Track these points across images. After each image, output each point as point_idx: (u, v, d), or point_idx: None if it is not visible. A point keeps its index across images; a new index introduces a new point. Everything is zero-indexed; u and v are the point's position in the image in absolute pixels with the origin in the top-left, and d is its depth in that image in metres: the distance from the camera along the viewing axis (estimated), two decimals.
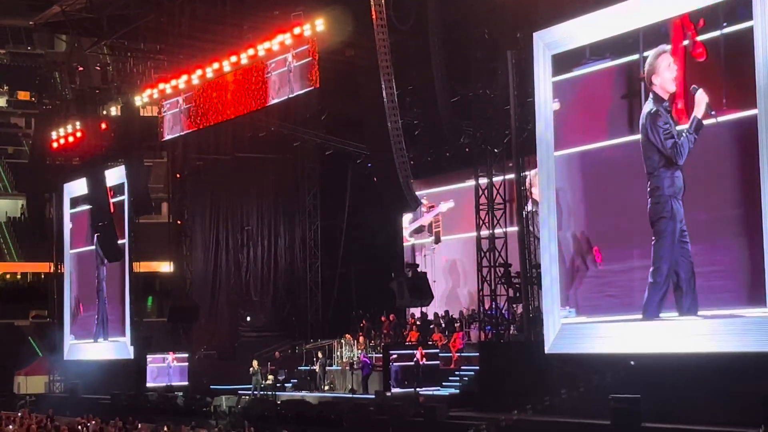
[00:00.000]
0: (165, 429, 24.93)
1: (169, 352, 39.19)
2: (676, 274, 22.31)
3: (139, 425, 26.18)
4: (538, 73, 25.86)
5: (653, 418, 21.30)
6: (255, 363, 34.62)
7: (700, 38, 21.80)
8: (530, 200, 28.24)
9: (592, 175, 24.59)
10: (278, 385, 34.47)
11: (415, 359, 30.38)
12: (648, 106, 23.06)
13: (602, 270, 24.13)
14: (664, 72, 22.72)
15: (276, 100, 32.14)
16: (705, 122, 21.72)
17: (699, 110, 21.89)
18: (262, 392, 33.86)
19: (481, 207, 28.66)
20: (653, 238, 22.83)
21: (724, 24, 21.36)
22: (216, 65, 33.84)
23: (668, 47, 22.66)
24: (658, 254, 22.75)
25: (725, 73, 21.51)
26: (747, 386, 20.40)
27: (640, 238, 23.12)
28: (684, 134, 22.15)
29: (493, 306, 28.25)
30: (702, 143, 21.90)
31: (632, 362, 23.06)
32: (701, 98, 21.83)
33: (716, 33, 21.53)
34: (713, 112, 21.51)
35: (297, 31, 30.23)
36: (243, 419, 29.66)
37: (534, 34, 26.05)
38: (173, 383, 38.32)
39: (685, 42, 22.15)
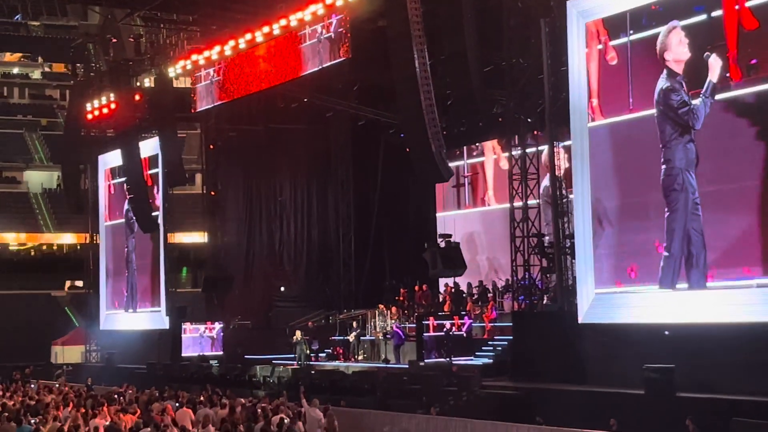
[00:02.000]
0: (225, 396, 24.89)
1: (204, 322, 39.49)
2: (687, 245, 22.35)
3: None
4: (572, 41, 25.69)
5: (687, 387, 21.25)
6: (298, 333, 34.63)
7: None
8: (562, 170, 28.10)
9: (623, 146, 24.49)
10: (312, 355, 34.65)
11: (446, 329, 30.45)
12: (662, 83, 23.11)
13: (629, 239, 24.06)
14: (677, 47, 22.71)
15: (308, 71, 32.13)
16: (720, 87, 21.72)
17: (714, 74, 21.86)
18: (307, 362, 33.91)
19: (514, 177, 28.56)
20: (666, 210, 22.86)
21: None
22: (248, 36, 33.85)
23: (678, 23, 22.53)
24: (670, 226, 22.83)
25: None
26: None
27: (663, 209, 23.15)
28: (700, 99, 22.08)
29: (527, 276, 28.22)
30: (715, 115, 21.84)
31: (666, 332, 22.98)
32: (715, 63, 21.80)
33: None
34: (728, 75, 21.43)
35: (329, 1, 30.15)
36: (291, 388, 29.81)
37: (567, 1, 25.88)
38: (208, 353, 38.62)
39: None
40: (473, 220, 37.37)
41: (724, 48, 21.61)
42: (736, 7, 21.42)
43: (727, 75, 21.56)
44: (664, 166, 23.06)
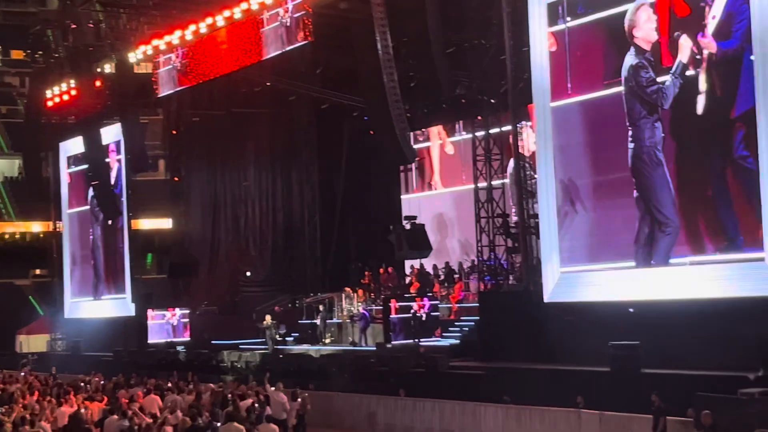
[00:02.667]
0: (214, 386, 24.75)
1: (170, 308, 39.35)
2: (658, 222, 22.52)
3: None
4: (533, 21, 25.72)
5: (652, 363, 21.46)
6: (268, 317, 34.52)
7: None
8: (526, 150, 28.23)
9: (586, 124, 24.60)
10: (279, 339, 34.63)
11: (413, 311, 30.52)
12: (630, 59, 23.15)
13: (595, 218, 24.25)
14: (645, 24, 22.78)
15: (270, 55, 31.99)
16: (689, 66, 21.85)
17: (683, 55, 21.95)
18: (276, 346, 33.83)
19: (478, 158, 28.65)
20: (635, 188, 23.05)
21: None
22: (209, 20, 33.64)
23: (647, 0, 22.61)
24: (641, 203, 22.95)
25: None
26: (745, 330, 20.49)
27: (629, 188, 23.32)
28: (669, 78, 22.20)
29: (492, 256, 28.34)
30: (683, 93, 21.96)
31: (631, 309, 23.17)
32: (685, 43, 21.90)
33: None
34: (698, 56, 21.55)
35: None
36: (259, 373, 29.79)
37: None
38: (174, 339, 38.50)
39: None
40: (439, 202, 37.50)
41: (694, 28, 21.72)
42: None
43: (698, 57, 21.64)
44: (632, 145, 23.13)
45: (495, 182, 28.33)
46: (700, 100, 21.80)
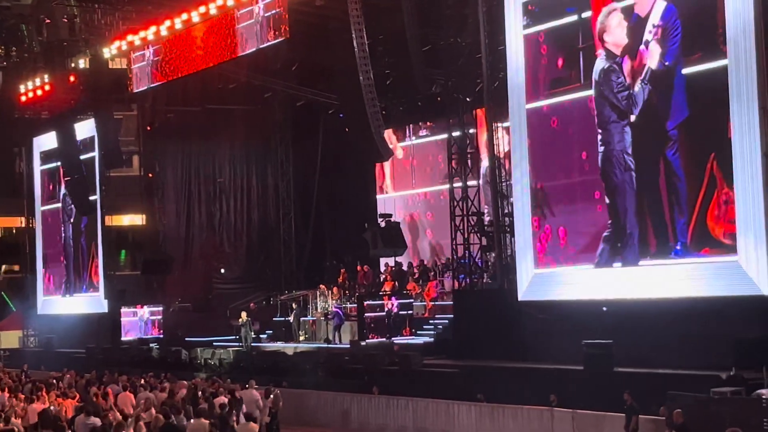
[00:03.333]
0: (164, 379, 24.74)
1: (143, 305, 39.18)
2: (625, 225, 22.68)
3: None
4: (509, 20, 25.77)
5: (625, 362, 21.56)
6: (243, 314, 34.22)
7: None
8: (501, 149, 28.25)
9: (559, 126, 24.69)
10: (254, 336, 34.54)
11: (387, 309, 30.59)
12: (600, 63, 23.27)
13: (569, 218, 24.36)
14: (615, 29, 22.87)
15: (246, 52, 31.89)
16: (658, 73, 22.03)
17: (652, 61, 22.07)
18: (252, 344, 33.71)
19: (453, 156, 28.69)
20: (605, 190, 23.21)
21: None
22: (185, 16, 33.51)
23: (618, 5, 22.72)
24: (612, 206, 23.10)
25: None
26: (718, 330, 20.67)
27: (599, 190, 23.49)
28: (638, 84, 22.33)
29: (467, 255, 28.38)
30: (653, 97, 22.12)
31: (604, 308, 23.26)
32: (654, 49, 22.01)
33: None
34: (666, 63, 21.73)
35: None
36: (234, 370, 29.74)
37: None
38: (147, 336, 38.35)
39: None
40: (415, 201, 37.59)
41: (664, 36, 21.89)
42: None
43: (666, 63, 21.78)
44: (602, 148, 23.24)
45: (470, 182, 28.33)
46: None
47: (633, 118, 22.61)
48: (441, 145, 33.31)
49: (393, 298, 31.25)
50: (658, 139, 22.14)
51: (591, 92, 23.51)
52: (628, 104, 22.65)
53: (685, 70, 21.51)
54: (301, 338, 34.01)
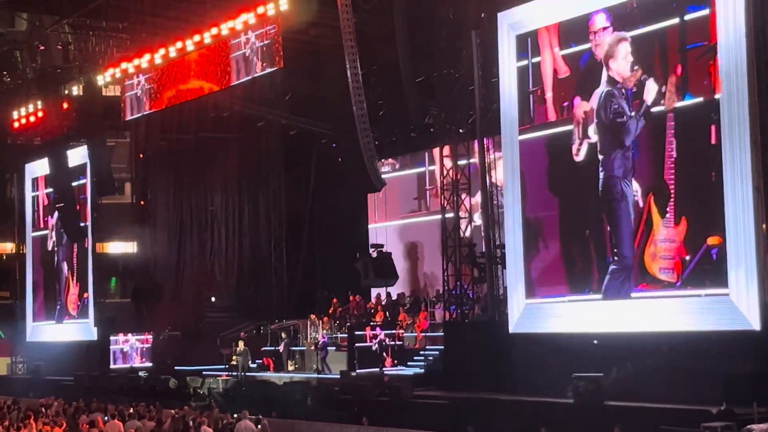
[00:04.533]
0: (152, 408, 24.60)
1: (133, 333, 39.01)
2: (626, 255, 22.57)
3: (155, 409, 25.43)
4: (503, 53, 25.90)
5: (616, 396, 21.48)
6: (241, 343, 33.94)
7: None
8: (493, 181, 28.29)
9: (552, 157, 24.74)
10: (251, 365, 34.30)
11: (378, 339, 30.52)
12: (602, 88, 23.31)
13: (559, 251, 24.33)
14: (622, 60, 22.93)
15: (240, 81, 31.96)
16: (653, 110, 22.13)
17: (649, 97, 22.17)
18: (247, 373, 33.49)
19: (445, 187, 28.73)
20: (605, 219, 23.14)
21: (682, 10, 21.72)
22: (179, 44, 33.58)
23: (628, 35, 22.79)
24: (612, 236, 23.03)
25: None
26: (709, 364, 20.62)
27: (596, 220, 23.44)
28: (634, 116, 22.40)
29: (458, 286, 28.35)
30: (653, 124, 22.19)
31: (595, 341, 23.22)
32: (651, 87, 22.12)
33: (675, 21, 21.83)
34: (663, 101, 21.86)
35: (261, 10, 30.04)
36: (225, 399, 29.55)
37: (498, 14, 26.09)
38: (136, 364, 38.16)
39: None
40: (406, 231, 37.60)
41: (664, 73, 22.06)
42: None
43: (662, 102, 21.96)
44: (602, 175, 23.26)
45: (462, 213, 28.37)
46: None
47: (627, 143, 22.61)
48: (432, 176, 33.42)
49: (378, 329, 31.19)
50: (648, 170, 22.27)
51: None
52: (621, 131, 22.69)
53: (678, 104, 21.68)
54: (290, 368, 33.86)
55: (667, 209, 21.91)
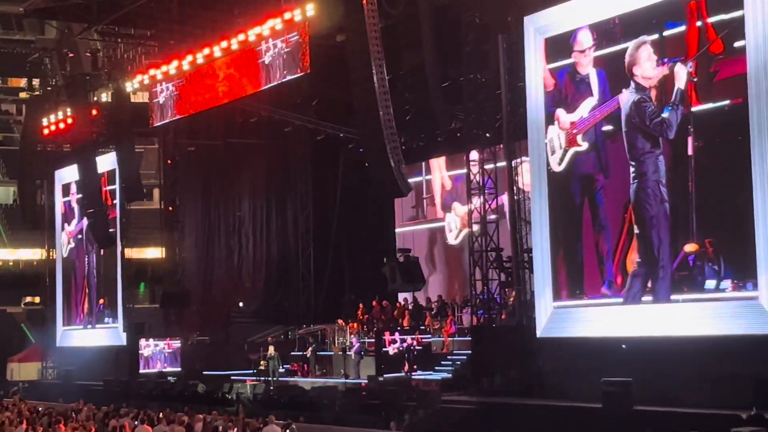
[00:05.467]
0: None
1: (163, 338, 39.21)
2: (658, 258, 22.44)
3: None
4: (529, 57, 25.85)
5: (645, 401, 21.36)
6: (271, 348, 33.97)
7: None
8: (520, 186, 28.20)
9: (582, 161, 24.68)
10: (282, 370, 34.35)
11: (407, 344, 30.47)
12: (631, 96, 23.19)
13: (591, 255, 24.25)
14: (645, 62, 22.84)
15: (267, 86, 32.07)
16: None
17: (680, 82, 22.03)
18: (278, 378, 33.46)
19: (472, 192, 28.70)
20: (636, 222, 22.97)
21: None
22: (207, 50, 33.74)
23: (648, 38, 22.74)
24: (642, 239, 22.85)
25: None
26: (738, 369, 20.45)
27: (628, 223, 23.28)
28: (671, 107, 22.25)
29: (485, 290, 28.30)
30: (685, 130, 22.02)
31: (623, 346, 23.11)
32: (680, 70, 21.98)
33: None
34: (695, 79, 21.69)
35: (287, 16, 30.13)
36: (267, 407, 29.57)
37: (525, 18, 26.03)
38: (166, 369, 38.35)
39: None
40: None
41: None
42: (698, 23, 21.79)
43: (695, 79, 21.76)
44: (635, 182, 23.07)
45: (490, 216, 28.33)
46: None
47: (671, 136, 22.40)
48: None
49: (396, 333, 31.10)
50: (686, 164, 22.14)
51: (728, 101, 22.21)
52: (662, 129, 22.50)
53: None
54: (318, 373, 33.91)
55: None
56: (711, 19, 21.61)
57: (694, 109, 21.84)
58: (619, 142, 23.60)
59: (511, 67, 26.82)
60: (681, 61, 22.01)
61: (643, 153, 22.95)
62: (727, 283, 21.16)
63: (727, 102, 21.38)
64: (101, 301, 42.34)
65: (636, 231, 23.08)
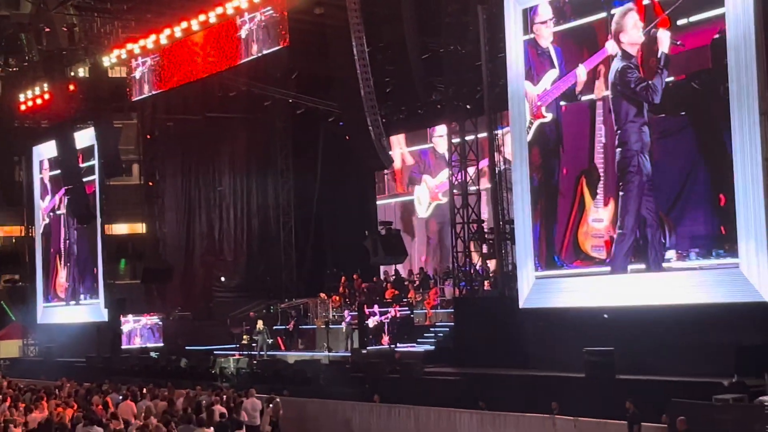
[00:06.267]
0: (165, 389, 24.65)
1: (144, 314, 39.15)
2: (641, 227, 22.54)
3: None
4: (509, 27, 25.77)
5: (627, 370, 21.49)
6: (260, 322, 33.89)
7: None
8: (501, 157, 28.22)
9: (563, 131, 24.69)
10: (253, 345, 34.41)
11: (390, 316, 30.54)
12: (617, 63, 23.16)
13: (573, 224, 24.31)
14: (632, 30, 22.82)
15: (246, 60, 31.90)
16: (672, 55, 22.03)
17: (664, 46, 22.04)
18: (267, 352, 33.49)
19: (453, 164, 28.68)
20: (621, 192, 23.02)
21: None
22: (184, 24, 33.54)
23: (633, 5, 22.74)
24: (624, 208, 22.95)
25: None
26: (719, 337, 20.62)
27: (609, 192, 23.35)
28: (657, 74, 22.26)
29: (467, 262, 28.35)
30: (670, 98, 22.07)
31: (605, 315, 23.22)
32: (663, 35, 22.00)
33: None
34: (678, 42, 21.75)
35: None
36: (250, 381, 29.57)
37: None
38: (148, 344, 38.29)
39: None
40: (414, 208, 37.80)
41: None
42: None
43: (678, 42, 21.83)
44: (619, 149, 23.07)
45: (471, 188, 28.33)
46: None
47: (657, 101, 22.43)
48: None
49: (376, 306, 31.17)
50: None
51: (602, 94, 23.40)
52: (647, 94, 22.48)
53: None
54: (301, 346, 33.94)
55: (597, 191, 23.50)
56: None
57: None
58: (572, 114, 24.23)
59: (491, 38, 26.74)
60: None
61: (626, 121, 22.97)
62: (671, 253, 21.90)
63: (671, 78, 21.94)
64: (82, 277, 42.16)
65: (619, 204, 23.12)
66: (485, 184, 29.22)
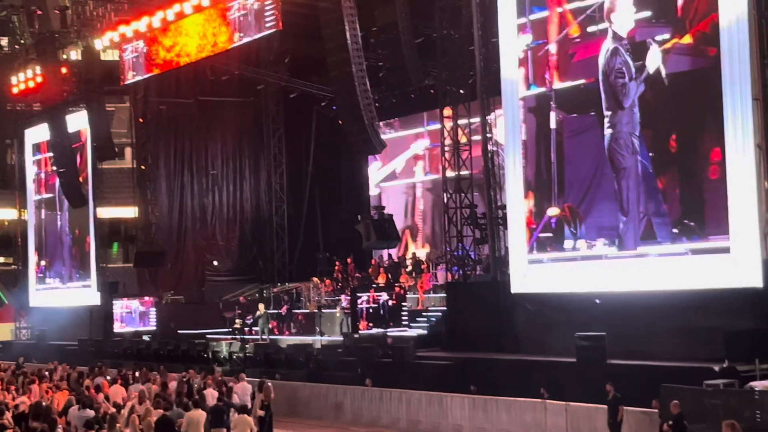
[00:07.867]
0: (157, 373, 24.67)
1: (136, 298, 39.13)
2: (634, 210, 22.54)
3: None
4: (503, 12, 25.72)
5: (618, 354, 21.55)
6: (261, 306, 33.79)
7: None
8: (493, 141, 28.18)
9: (556, 114, 24.67)
10: (246, 329, 34.41)
11: (383, 300, 30.55)
12: (607, 44, 23.16)
13: (567, 209, 24.32)
14: (624, 12, 22.76)
15: (238, 43, 31.81)
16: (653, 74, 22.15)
17: (651, 63, 22.02)
18: (268, 335, 33.39)
19: (446, 148, 28.65)
20: (613, 174, 23.02)
21: None
22: (177, 7, 33.39)
23: None
24: (619, 191, 22.93)
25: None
26: (710, 322, 20.65)
27: (603, 175, 23.34)
28: (634, 77, 22.28)
29: (460, 247, 28.35)
30: (659, 79, 22.08)
31: (597, 300, 23.25)
32: (655, 51, 21.95)
33: None
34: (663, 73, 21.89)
35: None
36: (239, 365, 29.57)
37: None
38: (140, 328, 38.29)
39: None
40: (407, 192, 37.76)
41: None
42: None
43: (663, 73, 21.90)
44: (609, 131, 23.11)
45: (463, 172, 28.32)
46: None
47: (626, 105, 22.53)
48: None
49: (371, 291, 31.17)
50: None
51: (591, 78, 23.44)
52: (621, 92, 22.57)
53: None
54: (294, 330, 33.94)
55: None
56: (568, 6, 23.66)
57: (555, 87, 24.06)
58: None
59: (484, 23, 26.68)
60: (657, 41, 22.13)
61: (616, 103, 22.94)
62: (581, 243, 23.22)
63: (582, 81, 23.13)
64: (42, 263, 42.18)
65: (613, 186, 23.11)
66: (478, 168, 29.19)
